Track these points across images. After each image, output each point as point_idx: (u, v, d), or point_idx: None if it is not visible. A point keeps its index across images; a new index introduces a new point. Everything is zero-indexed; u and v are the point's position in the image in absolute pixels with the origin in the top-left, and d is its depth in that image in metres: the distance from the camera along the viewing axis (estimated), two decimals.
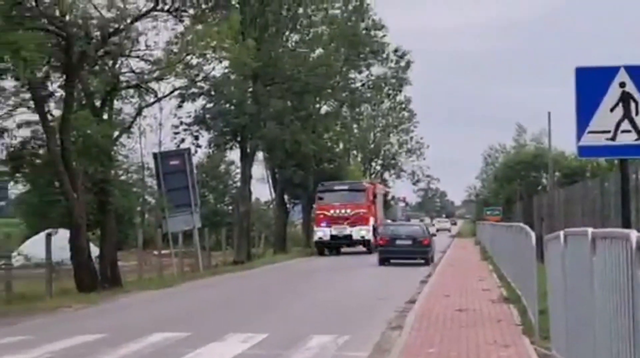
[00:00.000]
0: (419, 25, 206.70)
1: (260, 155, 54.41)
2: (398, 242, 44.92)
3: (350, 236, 56.97)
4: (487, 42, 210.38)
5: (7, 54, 23.60)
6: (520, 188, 56.68)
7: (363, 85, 68.65)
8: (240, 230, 51.17)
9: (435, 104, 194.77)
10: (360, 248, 58.47)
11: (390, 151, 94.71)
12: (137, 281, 30.24)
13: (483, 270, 30.56)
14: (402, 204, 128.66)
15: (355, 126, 77.94)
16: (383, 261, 43.70)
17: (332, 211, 58.08)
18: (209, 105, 47.88)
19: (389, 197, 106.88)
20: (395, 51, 75.38)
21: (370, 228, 56.97)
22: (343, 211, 57.94)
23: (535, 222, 28.21)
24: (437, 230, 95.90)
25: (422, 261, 41.93)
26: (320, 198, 60.09)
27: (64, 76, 29.56)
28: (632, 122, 9.97)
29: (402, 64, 78.27)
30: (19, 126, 30.67)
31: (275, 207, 60.63)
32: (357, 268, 40.48)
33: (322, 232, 57.48)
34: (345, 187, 61.00)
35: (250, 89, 48.45)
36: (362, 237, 56.98)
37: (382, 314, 17.37)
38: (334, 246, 58.90)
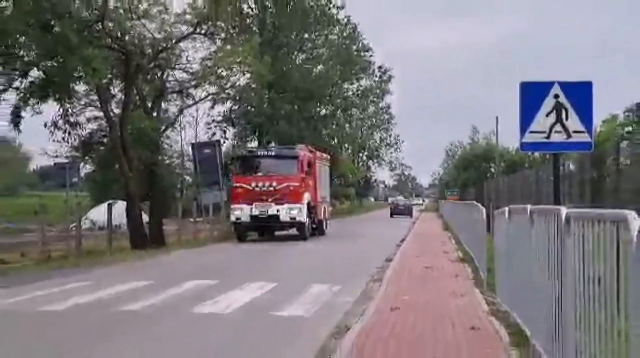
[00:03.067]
0: (405, 43, 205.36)
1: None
2: (399, 207, 74.45)
3: (276, 216, 32.44)
4: (453, 59, 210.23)
5: (80, 65, 23.57)
6: (473, 175, 56.49)
7: (354, 94, 68.95)
8: None
9: (411, 106, 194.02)
10: (293, 231, 33.90)
11: (374, 145, 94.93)
12: (177, 242, 30.23)
13: (444, 237, 30.59)
14: (382, 186, 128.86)
15: (347, 125, 77.84)
16: (392, 215, 71.44)
17: (252, 185, 33.02)
18: (235, 107, 47.90)
19: (373, 180, 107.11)
20: (380, 67, 75.97)
21: (304, 207, 32.56)
22: (267, 184, 33.11)
23: (485, 202, 28.15)
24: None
25: (409, 217, 64.87)
26: (239, 168, 34.83)
27: (123, 83, 29.69)
28: (563, 125, 10.08)
29: (385, 77, 78.94)
30: (88, 120, 31.00)
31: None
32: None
33: (240, 211, 32.66)
34: (271, 153, 35.63)
35: (267, 96, 48.41)
36: (292, 218, 32.50)
37: (366, 270, 17.35)
38: (256, 229, 34.65)
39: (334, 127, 68.76)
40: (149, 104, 32.13)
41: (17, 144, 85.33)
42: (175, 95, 35.05)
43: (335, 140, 70.75)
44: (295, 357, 8.51)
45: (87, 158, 32.64)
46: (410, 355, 8.17)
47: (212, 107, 45.84)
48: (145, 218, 31.22)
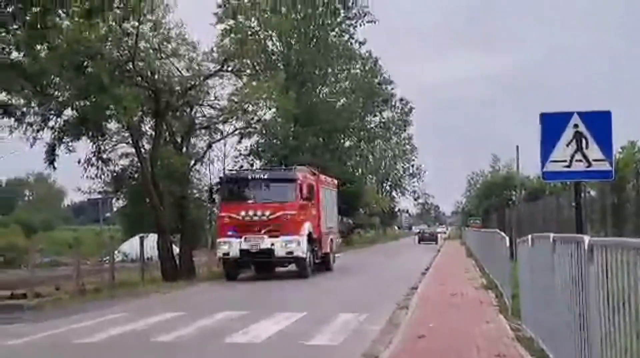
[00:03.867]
0: (428, 74, 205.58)
1: None
2: (426, 235, 78.92)
3: (270, 251, 26.15)
4: (473, 91, 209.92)
5: (112, 104, 23.84)
6: (495, 202, 56.13)
7: (376, 126, 69.19)
8: None
9: (432, 137, 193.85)
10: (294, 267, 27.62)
11: (397, 175, 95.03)
12: (207, 273, 30.20)
13: (468, 265, 30.31)
14: (406, 215, 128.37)
15: (370, 156, 78.18)
16: (419, 241, 74.99)
17: (242, 214, 26.76)
18: (261, 141, 48.11)
19: (396, 209, 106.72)
20: (401, 99, 76.15)
21: (304, 239, 26.46)
22: (259, 213, 26.69)
23: (506, 229, 27.96)
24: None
25: (435, 244, 68.92)
26: (226, 194, 28.65)
27: (154, 120, 29.89)
28: (583, 154, 10.01)
29: (406, 109, 79.08)
30: (120, 156, 31.16)
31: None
32: None
33: (228, 245, 26.55)
34: (263, 175, 29.23)
35: (292, 129, 48.58)
36: (289, 253, 26.24)
37: (392, 298, 17.25)
38: (247, 265, 28.78)
39: (358, 158, 68.99)
40: (179, 140, 32.29)
41: (52, 181, 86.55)
42: (203, 130, 35.20)
43: (360, 171, 70.83)
44: None
45: (119, 192, 32.84)
46: None
47: (240, 141, 45.98)
48: (175, 249, 31.30)
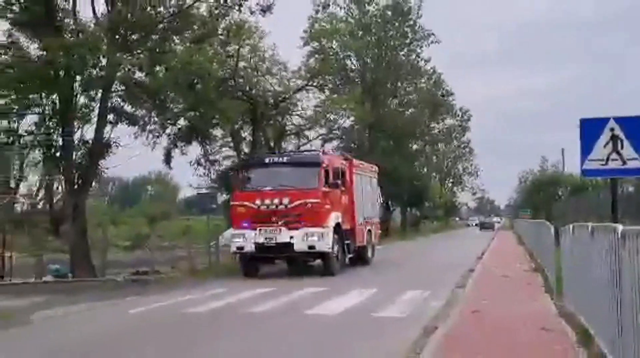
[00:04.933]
0: (484, 87, 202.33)
1: None
2: (486, 224, 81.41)
3: (288, 245, 19.34)
4: (521, 101, 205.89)
5: (217, 114, 24.26)
6: (543, 197, 54.72)
7: (439, 132, 68.56)
8: None
9: (488, 141, 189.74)
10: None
11: (457, 173, 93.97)
12: None
13: (519, 251, 29.62)
14: (465, 208, 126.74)
15: (434, 157, 77.56)
16: (480, 229, 76.21)
17: (257, 203, 19.75)
18: (341, 145, 48.12)
19: (457, 203, 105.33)
20: (460, 109, 75.22)
21: (330, 231, 19.62)
22: (277, 201, 19.70)
23: (553, 220, 27.23)
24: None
25: (492, 231, 69.92)
26: (241, 181, 21.68)
27: (251, 127, 30.29)
28: (619, 153, 9.69)
29: (465, 117, 78.14)
30: (224, 158, 31.68)
31: (382, 209, 60.03)
32: None
33: (242, 238, 19.82)
34: (282, 160, 21.49)
35: (367, 135, 48.44)
36: (311, 247, 19.38)
37: (452, 278, 17.02)
38: (265, 260, 21.17)
39: (423, 159, 68.58)
40: (272, 144, 32.63)
41: (169, 178, 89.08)
42: (292, 136, 35.56)
43: (425, 170, 70.17)
44: (391, 349, 8.35)
45: (223, 188, 33.40)
46: (488, 350, 7.94)
47: (322, 145, 46.22)
48: None
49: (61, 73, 19.08)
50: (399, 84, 53.80)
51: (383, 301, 12.83)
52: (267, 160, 20.80)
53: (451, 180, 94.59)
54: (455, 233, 73.54)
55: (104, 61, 19.37)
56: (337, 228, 19.73)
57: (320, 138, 39.36)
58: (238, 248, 19.38)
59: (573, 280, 9.81)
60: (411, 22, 52.14)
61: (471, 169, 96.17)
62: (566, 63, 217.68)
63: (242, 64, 28.82)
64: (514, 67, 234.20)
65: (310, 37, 41.02)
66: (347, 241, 20.53)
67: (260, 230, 18.97)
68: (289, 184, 19.39)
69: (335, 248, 19.42)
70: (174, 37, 23.08)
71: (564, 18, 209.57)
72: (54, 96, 20.22)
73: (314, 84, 33.22)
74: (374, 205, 25.68)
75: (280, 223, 18.84)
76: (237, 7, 23.20)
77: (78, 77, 19.70)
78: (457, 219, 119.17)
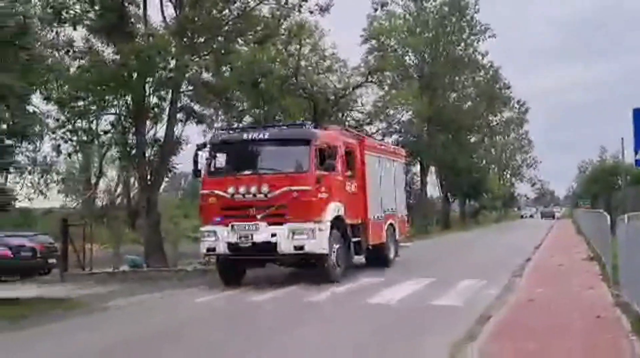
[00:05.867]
0: (541, 79, 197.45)
1: (432, 169, 53.44)
2: (547, 213, 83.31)
3: (270, 245, 13.70)
4: (577, 94, 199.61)
5: (280, 111, 24.48)
6: (602, 187, 53.06)
7: (497, 124, 67.38)
8: (421, 215, 50.95)
9: (549, 131, 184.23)
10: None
11: (516, 165, 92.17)
12: None
13: (577, 240, 28.88)
14: (524, 198, 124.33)
15: (492, 149, 76.26)
16: (542, 217, 78.47)
17: (230, 191, 14.05)
18: (400, 138, 47.85)
19: (516, 194, 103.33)
20: (518, 101, 73.59)
21: (324, 228, 13.90)
22: (253, 189, 13.91)
23: (612, 210, 26.46)
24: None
25: (552, 219, 70.62)
26: (213, 163, 15.03)
27: (312, 123, 30.39)
28: None
29: (522, 109, 76.48)
30: None
31: (442, 200, 59.48)
32: None
33: (213, 236, 14.17)
34: (262, 135, 14.90)
35: (425, 128, 48.00)
36: (299, 248, 13.66)
37: (508, 267, 16.74)
38: (243, 264, 15.15)
39: (482, 151, 67.56)
40: None
41: None
42: (353, 130, 35.61)
43: (483, 161, 69.10)
44: (449, 336, 8.30)
45: None
46: (542, 337, 7.81)
47: (382, 139, 46.11)
48: None
49: (134, 75, 19.57)
50: (457, 78, 53.10)
51: (440, 290, 12.72)
52: (244, 136, 14.92)
53: (509, 172, 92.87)
54: (514, 223, 72.06)
55: (172, 63, 19.76)
56: (338, 222, 14.63)
57: (379, 132, 39.25)
58: (208, 249, 14.30)
59: (629, 270, 9.54)
60: (468, 17, 51.44)
61: (530, 161, 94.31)
62: (623, 55, 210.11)
63: (303, 62, 29.04)
64: (571, 59, 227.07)
65: (369, 35, 41.05)
66: (354, 239, 15.57)
67: (232, 226, 13.83)
68: (272, 167, 14.32)
69: (335, 248, 14.34)
70: (238, 39, 23.37)
71: (618, 10, 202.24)
72: (128, 97, 20.77)
73: (373, 80, 33.11)
74: (400, 196, 20.13)
75: (258, 217, 13.76)
76: (297, 8, 23.29)
77: (149, 79, 20.16)
78: (516, 210, 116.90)
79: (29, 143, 16.40)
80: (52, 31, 19.36)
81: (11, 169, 16.37)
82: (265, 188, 13.83)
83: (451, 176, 54.64)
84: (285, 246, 13.72)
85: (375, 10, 44.93)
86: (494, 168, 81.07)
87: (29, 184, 24.79)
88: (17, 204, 17.30)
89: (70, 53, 20.00)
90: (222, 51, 22.23)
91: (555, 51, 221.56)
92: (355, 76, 32.52)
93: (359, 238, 15.99)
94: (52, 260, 19.96)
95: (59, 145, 21.53)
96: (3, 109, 12.98)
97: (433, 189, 58.90)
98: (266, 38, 23.59)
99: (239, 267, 15.19)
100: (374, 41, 40.93)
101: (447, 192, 58.90)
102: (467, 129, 54.74)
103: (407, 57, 48.68)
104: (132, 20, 20.60)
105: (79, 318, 11.26)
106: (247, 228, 13.94)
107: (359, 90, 32.83)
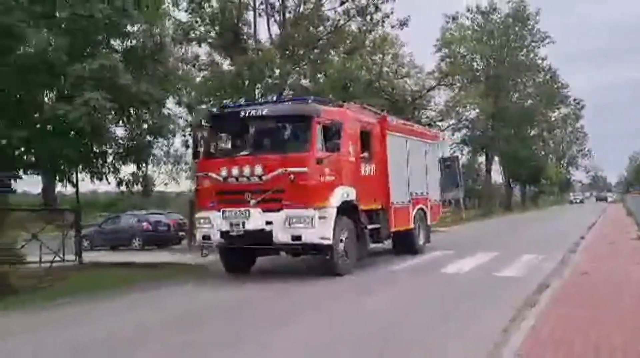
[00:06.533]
0: (595, 79, 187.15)
1: (496, 158, 52.05)
2: (601, 197, 77.90)
3: (264, 234, 10.32)
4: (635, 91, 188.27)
5: None
6: None
7: (555, 119, 64.67)
8: (486, 198, 49.89)
9: (604, 123, 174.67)
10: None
11: (572, 155, 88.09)
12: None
13: (627, 222, 27.36)
14: (579, 185, 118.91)
15: (551, 142, 73.35)
16: (597, 200, 72.72)
17: (224, 174, 10.76)
18: (468, 133, 46.80)
19: (572, 180, 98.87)
20: (574, 99, 70.25)
21: (330, 216, 10.36)
22: (247, 171, 10.53)
23: None
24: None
25: (606, 202, 64.61)
26: (209, 143, 11.74)
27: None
28: None
29: (579, 106, 72.98)
30: None
31: (504, 186, 57.75)
32: None
33: (208, 223, 10.93)
34: (262, 112, 11.10)
35: (490, 124, 46.69)
36: (296, 238, 10.21)
37: (564, 244, 16.16)
38: (243, 254, 11.56)
39: (541, 143, 65.23)
40: None
41: None
42: (427, 127, 35.11)
43: (542, 152, 66.66)
44: (512, 301, 8.16)
45: None
46: (595, 304, 7.55)
47: (452, 134, 45.17)
48: None
49: (246, 82, 20.05)
50: (519, 79, 51.53)
51: (503, 263, 12.46)
52: (241, 113, 11.37)
53: (566, 161, 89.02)
54: (569, 206, 69.13)
55: (277, 72, 20.12)
56: (349, 208, 11.23)
57: (450, 127, 38.57)
58: (204, 237, 11.21)
59: None
60: (530, 26, 49.82)
61: (585, 151, 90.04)
62: None
63: (385, 69, 28.88)
64: (623, 60, 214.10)
65: (442, 44, 40.58)
66: (372, 226, 12.22)
67: (224, 212, 10.81)
68: (269, 147, 11.12)
69: (343, 237, 10.98)
70: (331, 51, 23.48)
71: None
72: (242, 101, 21.31)
73: (445, 83, 32.58)
74: (433, 179, 16.40)
75: (252, 202, 10.62)
76: (381, 24, 23.17)
77: (259, 85, 20.62)
78: (571, 194, 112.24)
79: (164, 139, 17.09)
80: (181, 48, 20.11)
81: (150, 161, 17.15)
82: (259, 170, 10.51)
83: (513, 165, 53.02)
84: (282, 235, 10.37)
85: (447, 22, 44.58)
86: (551, 157, 77.93)
87: (164, 173, 25.86)
88: (156, 189, 18.12)
89: (196, 66, 20.73)
90: (318, 61, 22.43)
91: (609, 52, 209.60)
92: (429, 79, 32.10)
93: (378, 225, 12.55)
94: (182, 233, 21.05)
95: (187, 141, 22.35)
96: (145, 112, 13.64)
97: (497, 176, 57.30)
98: (354, 49, 23.61)
99: (247, 254, 11.74)
100: (445, 49, 40.33)
101: (509, 179, 57.10)
102: (527, 124, 53.13)
103: (474, 63, 47.51)
104: (245, 37, 21.08)
105: (201, 279, 11.55)
106: (238, 214, 10.64)
107: (432, 92, 32.35)
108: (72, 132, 9.78)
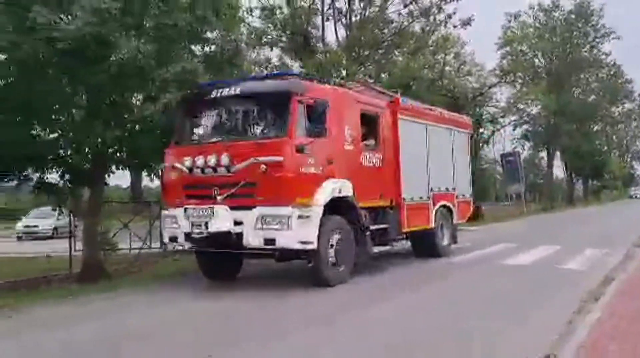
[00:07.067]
0: None
1: (558, 153, 50.12)
2: None
3: (232, 237, 7.83)
4: None
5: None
6: None
7: (619, 114, 61.48)
8: (547, 192, 48.17)
9: None
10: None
11: (636, 149, 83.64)
12: (490, 217, 29.07)
13: None
14: None
15: (614, 136, 69.89)
16: None
17: (188, 164, 8.34)
18: (530, 129, 45.24)
19: (636, 175, 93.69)
20: (639, 94, 66.60)
21: (314, 215, 7.81)
22: (212, 161, 8.04)
23: None
24: None
25: None
26: (180, 128, 9.16)
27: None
28: None
29: None
30: None
31: (566, 181, 55.47)
32: None
33: (173, 222, 8.44)
34: (235, 90, 8.44)
35: (552, 120, 44.96)
36: (270, 241, 7.66)
37: (628, 238, 15.36)
38: (213, 259, 9.02)
39: (604, 138, 62.35)
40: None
41: None
42: (488, 123, 34.19)
43: (605, 147, 63.70)
44: (577, 293, 7.85)
45: None
46: None
47: (514, 129, 43.85)
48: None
49: None
50: (582, 75, 49.34)
51: (566, 256, 11.99)
52: (213, 93, 8.94)
53: (630, 155, 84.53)
54: (630, 201, 65.75)
55: (344, 72, 20.14)
56: (343, 206, 8.85)
57: (511, 123, 37.51)
58: (171, 239, 8.85)
59: None
60: (593, 22, 47.47)
61: None
62: None
63: (447, 68, 28.37)
64: None
65: (504, 43, 39.52)
66: (375, 226, 9.68)
67: (186, 210, 8.48)
68: (242, 132, 8.71)
69: (333, 240, 8.55)
70: (395, 51, 23.31)
71: None
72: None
73: (506, 80, 31.69)
74: (462, 172, 13.26)
75: (219, 198, 8.27)
76: (443, 24, 22.77)
77: None
78: (631, 189, 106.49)
79: None
80: (255, 52, 20.49)
81: None
82: (225, 160, 8.12)
83: (575, 160, 50.93)
84: (253, 238, 7.97)
85: (509, 21, 43.31)
86: (615, 152, 74.26)
87: None
88: None
89: (267, 68, 21.05)
90: (382, 61, 22.32)
91: None
92: (491, 77, 31.34)
93: (386, 225, 10.06)
94: None
95: None
96: None
97: (558, 171, 55.25)
98: (417, 49, 23.33)
99: (229, 259, 9.12)
100: (507, 47, 39.19)
101: (572, 173, 54.87)
102: (590, 120, 50.77)
103: (536, 60, 45.88)
104: (314, 41, 21.23)
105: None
106: (200, 213, 8.24)
107: (494, 89, 31.57)
108: (158, 131, 10.19)
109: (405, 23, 22.18)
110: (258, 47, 20.05)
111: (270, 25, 20.03)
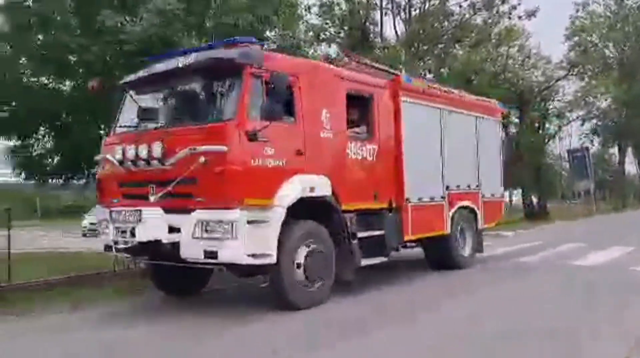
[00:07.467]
0: None
1: (630, 149, 47.76)
2: None
3: (165, 247, 5.91)
4: None
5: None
6: None
7: None
8: (619, 190, 46.06)
9: None
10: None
11: None
12: (556, 215, 28.18)
13: None
14: None
15: None
16: None
17: (118, 156, 6.37)
18: (599, 123, 43.26)
19: None
20: None
21: (271, 220, 5.83)
22: (144, 153, 6.04)
23: None
24: None
25: None
26: (122, 113, 7.02)
27: (518, 112, 28.77)
28: None
29: None
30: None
31: (639, 178, 52.74)
32: None
33: (107, 226, 6.16)
34: (177, 64, 6.22)
35: (623, 114, 42.83)
36: (211, 254, 5.60)
37: None
38: (181, 270, 6.27)
39: None
40: (536, 125, 30.63)
41: None
42: (554, 118, 32.97)
43: None
44: None
45: None
46: None
47: (582, 124, 42.06)
48: (534, 199, 30.00)
49: None
50: None
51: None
52: (155, 69, 6.91)
53: None
54: None
55: (403, 69, 19.95)
56: (319, 208, 6.92)
57: (579, 118, 36.01)
58: (107, 247, 6.90)
59: None
60: None
61: None
62: None
63: (510, 61, 27.54)
64: None
65: (572, 33, 37.96)
66: (368, 234, 7.64)
67: (111, 213, 6.59)
68: (184, 116, 6.79)
69: (303, 252, 6.60)
70: (455, 45, 22.85)
71: None
72: None
73: (574, 73, 30.47)
74: (489, 167, 10.77)
75: (152, 198, 6.38)
76: (507, 16, 22.13)
77: None
78: None
79: None
80: (312, 49, 20.58)
81: None
82: (158, 151, 6.26)
83: None
84: (191, 249, 6.08)
85: (577, 11, 41.50)
86: None
87: None
88: None
89: None
90: (442, 56, 21.93)
91: None
92: (557, 69, 30.18)
93: (381, 231, 7.92)
94: None
95: None
96: None
97: (630, 167, 52.69)
98: (479, 42, 22.83)
99: (189, 271, 6.94)
100: (575, 38, 37.59)
101: None
102: None
103: (607, 51, 43.76)
104: (372, 36, 21.12)
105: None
106: (126, 217, 6.41)
107: (561, 82, 30.40)
108: None
109: (467, 15, 21.69)
110: (316, 43, 20.13)
111: (328, 21, 20.07)
